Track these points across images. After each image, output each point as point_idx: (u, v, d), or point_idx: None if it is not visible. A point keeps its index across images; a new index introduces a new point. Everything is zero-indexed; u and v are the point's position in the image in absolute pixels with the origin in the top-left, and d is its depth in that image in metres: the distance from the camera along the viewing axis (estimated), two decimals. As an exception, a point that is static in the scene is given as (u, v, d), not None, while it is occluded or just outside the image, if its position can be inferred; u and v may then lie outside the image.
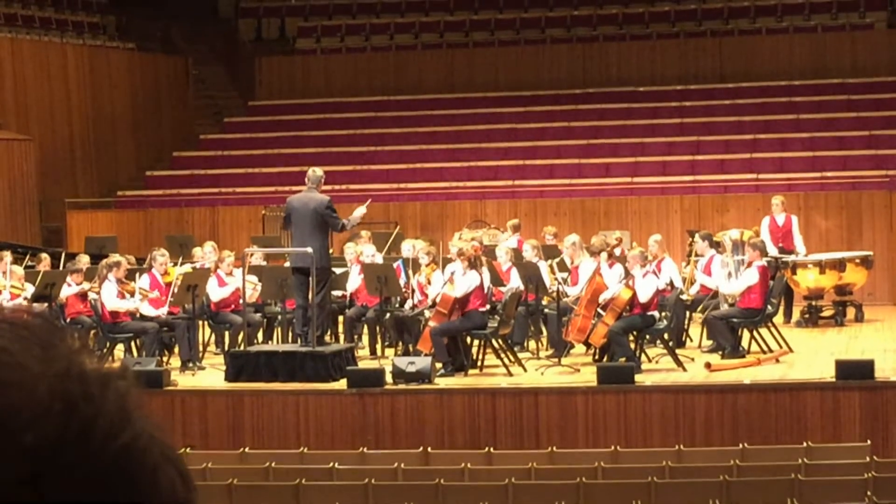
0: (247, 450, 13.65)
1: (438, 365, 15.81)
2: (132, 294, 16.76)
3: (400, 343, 17.29)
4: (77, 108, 27.50)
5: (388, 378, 15.45)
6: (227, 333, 18.01)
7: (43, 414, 1.01)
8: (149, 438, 1.06)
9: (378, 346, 17.57)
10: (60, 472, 1.00)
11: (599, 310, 16.10)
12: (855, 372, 14.76)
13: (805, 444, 13.04)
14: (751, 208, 22.58)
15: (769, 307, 16.88)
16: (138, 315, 16.83)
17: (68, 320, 16.88)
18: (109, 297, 16.57)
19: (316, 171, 16.25)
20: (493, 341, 16.23)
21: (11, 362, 1.03)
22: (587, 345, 16.64)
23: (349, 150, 26.96)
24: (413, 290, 17.05)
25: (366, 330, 18.08)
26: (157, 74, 29.75)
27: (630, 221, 23.23)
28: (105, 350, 16.28)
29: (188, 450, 13.49)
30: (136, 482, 1.04)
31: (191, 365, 16.79)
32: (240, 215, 25.19)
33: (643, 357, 16.27)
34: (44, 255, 19.18)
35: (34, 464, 1.00)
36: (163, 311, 16.90)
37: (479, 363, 16.34)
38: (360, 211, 16.21)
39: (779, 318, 18.14)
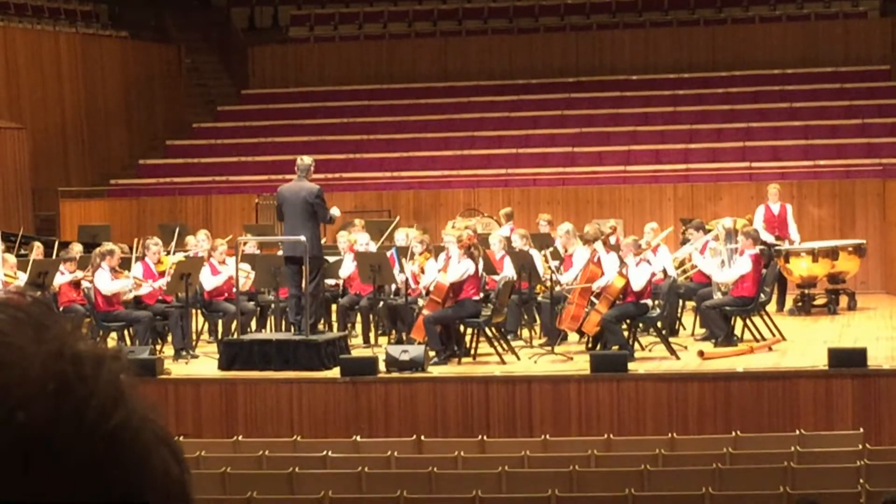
0: (240, 438, 13.66)
1: (432, 353, 15.82)
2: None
3: (393, 331, 17.30)
4: (70, 97, 27.45)
5: (382, 366, 15.45)
6: (220, 322, 18.03)
7: (36, 393, 1.01)
8: (142, 419, 1.06)
9: (371, 335, 17.57)
10: (52, 451, 1.00)
11: (593, 298, 16.12)
12: (847, 360, 14.77)
13: (798, 432, 13.07)
14: (744, 197, 22.59)
15: (762, 295, 16.89)
16: (134, 290, 16.79)
17: (61, 309, 16.86)
18: (104, 281, 16.57)
19: (305, 160, 16.20)
20: (487, 330, 16.23)
21: (5, 342, 1.03)
22: (580, 333, 16.65)
23: (342, 138, 26.93)
24: (406, 279, 17.05)
25: (359, 318, 18.08)
26: (150, 63, 29.71)
27: (623, 210, 23.21)
28: (98, 338, 16.28)
29: (181, 438, 13.48)
30: (129, 463, 1.04)
31: (184, 353, 16.79)
32: (233, 204, 25.16)
33: (636, 345, 16.27)
34: (36, 244, 19.14)
35: (26, 442, 1.00)
36: (153, 297, 16.86)
37: (472, 351, 16.34)
38: (335, 212, 16.15)
39: (772, 307, 18.16)
